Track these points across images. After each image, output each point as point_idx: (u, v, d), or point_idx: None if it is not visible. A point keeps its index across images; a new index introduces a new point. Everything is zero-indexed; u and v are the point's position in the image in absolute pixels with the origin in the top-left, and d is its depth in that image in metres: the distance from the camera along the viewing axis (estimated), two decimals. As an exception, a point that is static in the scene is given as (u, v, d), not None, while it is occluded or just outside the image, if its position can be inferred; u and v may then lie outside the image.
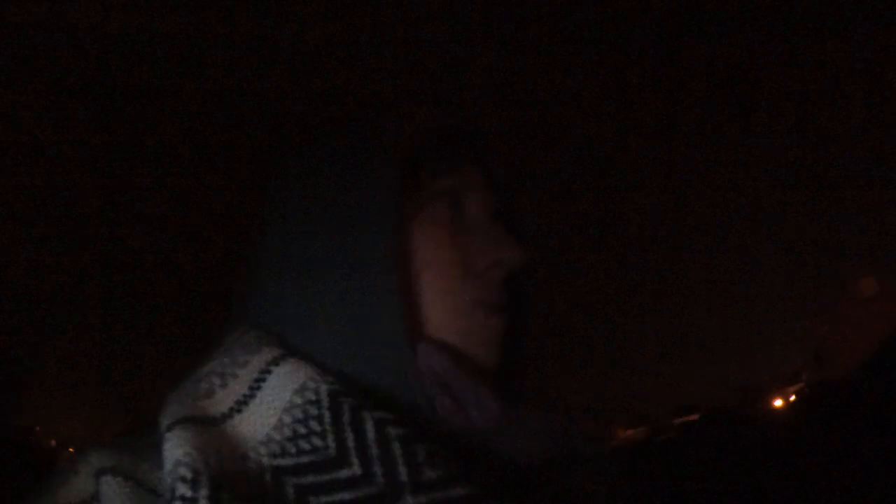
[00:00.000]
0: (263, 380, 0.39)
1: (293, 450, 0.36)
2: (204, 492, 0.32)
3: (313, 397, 0.38)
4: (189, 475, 0.33)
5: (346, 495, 0.35)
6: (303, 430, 0.37)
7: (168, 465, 0.34)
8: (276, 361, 0.39)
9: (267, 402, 0.38)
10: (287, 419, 0.37)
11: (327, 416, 0.37)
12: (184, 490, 0.32)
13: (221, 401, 0.38)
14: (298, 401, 0.38)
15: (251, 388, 0.39)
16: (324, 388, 0.38)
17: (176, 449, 0.34)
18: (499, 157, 0.51)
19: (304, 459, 0.36)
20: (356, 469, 0.35)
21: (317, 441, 0.36)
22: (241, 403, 0.38)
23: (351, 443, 0.36)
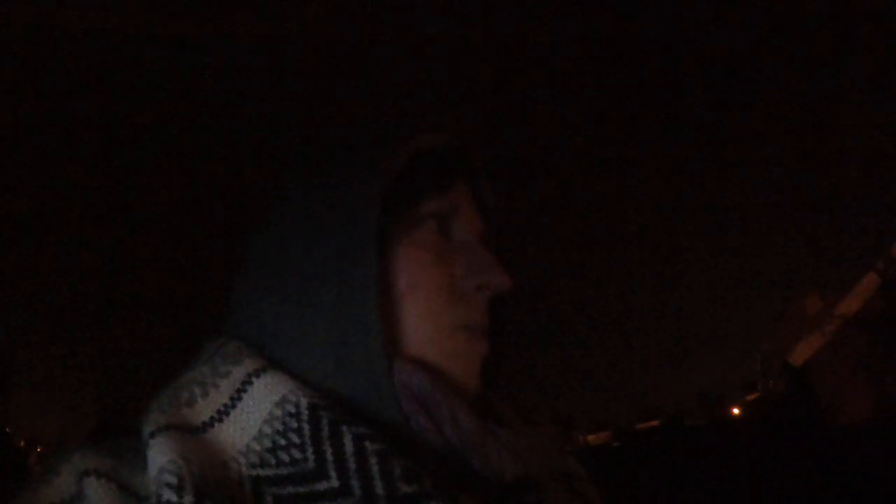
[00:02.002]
0: (244, 390, 0.39)
1: (272, 461, 0.36)
2: (189, 498, 0.33)
3: (293, 410, 0.38)
4: (174, 481, 0.33)
5: None
6: (282, 442, 0.37)
7: (153, 471, 0.34)
8: (257, 373, 0.39)
9: (247, 413, 0.38)
10: (267, 430, 0.37)
11: (306, 429, 0.37)
12: (169, 496, 0.32)
13: (202, 410, 0.38)
14: (278, 413, 0.38)
15: (232, 399, 0.38)
16: (304, 401, 0.38)
17: (161, 455, 0.34)
18: (488, 179, 0.52)
19: (284, 471, 0.36)
20: (334, 482, 0.35)
21: (296, 453, 0.36)
22: (222, 413, 0.38)
23: (329, 456, 0.36)
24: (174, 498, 0.32)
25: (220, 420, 0.38)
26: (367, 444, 0.36)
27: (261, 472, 0.36)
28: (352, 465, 0.36)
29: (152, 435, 0.36)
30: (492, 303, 0.48)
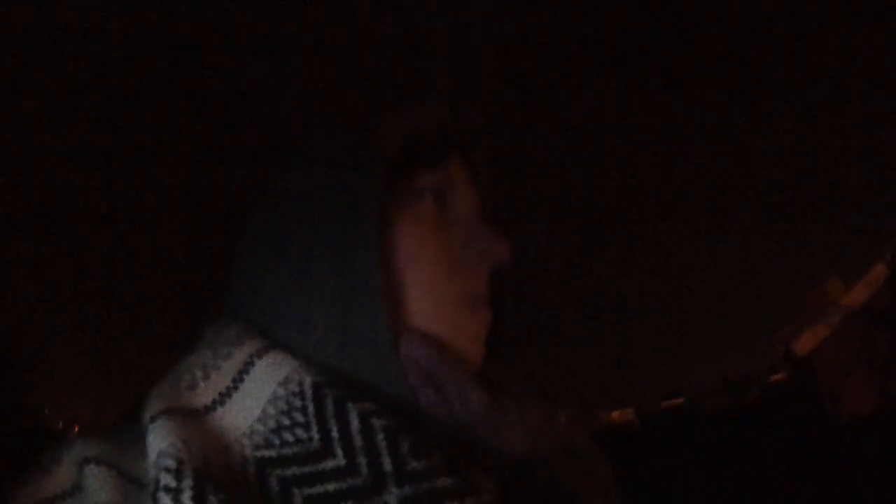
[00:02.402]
0: (247, 372, 0.38)
1: (277, 441, 0.35)
2: (188, 482, 0.32)
3: (297, 389, 0.37)
4: (173, 465, 0.32)
5: (330, 486, 0.34)
6: (286, 422, 0.36)
7: (152, 455, 0.33)
8: (259, 353, 0.38)
9: (250, 394, 0.37)
10: (271, 411, 0.36)
11: (311, 407, 0.36)
12: (167, 480, 0.31)
13: (204, 392, 0.37)
14: (282, 392, 0.37)
15: (234, 381, 0.38)
16: (308, 379, 0.37)
17: (160, 440, 0.33)
18: (483, 153, 0.51)
19: (288, 451, 0.35)
20: (340, 460, 0.34)
21: (300, 433, 0.36)
22: (225, 395, 0.37)
23: (335, 434, 0.35)
24: (173, 483, 0.31)
25: (223, 403, 0.37)
26: (374, 420, 0.35)
27: (265, 453, 0.35)
28: (358, 442, 0.35)
29: (152, 419, 0.35)
30: (494, 274, 0.47)
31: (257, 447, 0.35)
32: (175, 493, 0.31)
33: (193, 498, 0.31)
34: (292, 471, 0.35)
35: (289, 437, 0.36)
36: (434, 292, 0.43)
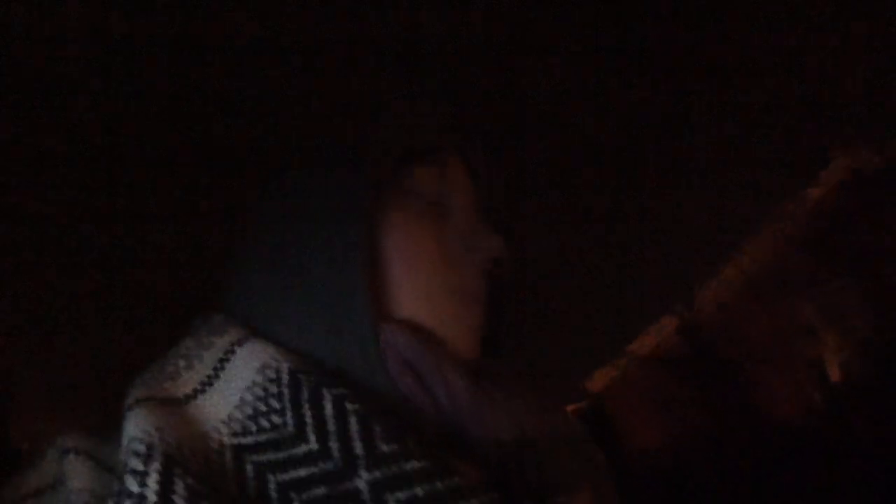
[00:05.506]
0: (227, 360, 0.37)
1: (253, 428, 0.35)
2: (155, 465, 0.30)
3: (273, 375, 0.36)
4: (143, 450, 0.31)
5: (302, 471, 0.33)
6: (263, 408, 0.35)
7: (124, 441, 0.32)
8: (240, 342, 0.38)
9: (230, 382, 0.37)
10: (248, 397, 0.36)
11: (287, 393, 0.36)
12: (135, 464, 0.31)
13: (185, 382, 0.37)
14: (259, 379, 0.36)
15: (215, 369, 0.37)
16: (284, 366, 0.37)
17: (133, 427, 0.33)
18: (479, 148, 0.50)
19: (263, 437, 0.35)
20: (313, 445, 0.34)
21: (276, 418, 0.35)
22: (206, 384, 0.37)
23: (309, 419, 0.35)
24: (140, 466, 0.30)
25: (204, 391, 0.36)
26: (348, 404, 0.35)
27: (242, 440, 0.35)
28: (331, 427, 0.34)
29: (129, 408, 0.34)
30: (492, 278, 0.47)
31: (234, 434, 0.35)
32: (141, 475, 0.30)
33: (160, 482, 0.30)
34: (267, 457, 0.34)
35: (265, 423, 0.35)
36: (426, 286, 0.43)
